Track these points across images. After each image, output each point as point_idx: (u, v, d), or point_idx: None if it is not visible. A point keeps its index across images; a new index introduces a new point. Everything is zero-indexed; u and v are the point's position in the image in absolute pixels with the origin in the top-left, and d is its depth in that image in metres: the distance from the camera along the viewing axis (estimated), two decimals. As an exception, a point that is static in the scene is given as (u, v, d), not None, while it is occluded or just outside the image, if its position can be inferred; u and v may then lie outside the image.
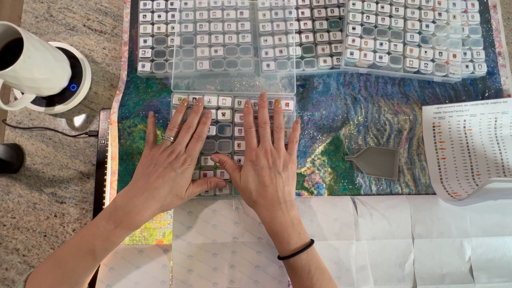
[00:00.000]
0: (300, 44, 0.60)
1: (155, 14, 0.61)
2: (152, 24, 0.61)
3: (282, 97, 0.57)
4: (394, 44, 0.59)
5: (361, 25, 0.59)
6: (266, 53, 0.59)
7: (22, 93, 0.58)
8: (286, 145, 0.53)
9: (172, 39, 0.60)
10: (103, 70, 0.63)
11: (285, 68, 0.59)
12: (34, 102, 0.58)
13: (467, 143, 0.59)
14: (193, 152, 0.51)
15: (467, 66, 0.60)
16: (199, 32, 0.60)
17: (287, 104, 0.57)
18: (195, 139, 0.52)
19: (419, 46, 0.59)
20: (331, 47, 0.60)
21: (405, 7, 0.60)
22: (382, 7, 0.60)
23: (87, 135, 0.60)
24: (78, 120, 0.61)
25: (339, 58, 0.59)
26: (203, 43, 0.59)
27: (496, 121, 0.59)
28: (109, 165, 0.57)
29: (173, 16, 0.61)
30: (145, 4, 0.61)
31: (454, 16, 0.60)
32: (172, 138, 0.51)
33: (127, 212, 0.45)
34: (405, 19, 0.60)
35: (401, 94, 0.61)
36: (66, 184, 0.59)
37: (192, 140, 0.52)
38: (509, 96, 0.61)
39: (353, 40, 0.58)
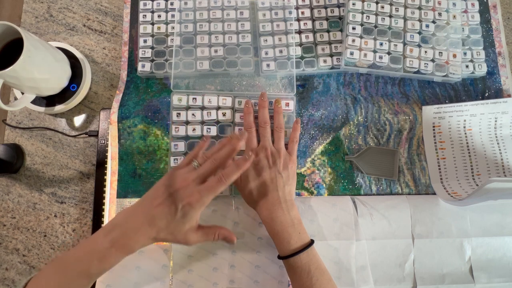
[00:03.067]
0: (300, 44, 0.60)
1: (155, 14, 0.61)
2: (152, 24, 0.61)
3: (282, 97, 0.57)
4: (394, 44, 0.59)
5: (361, 25, 0.59)
6: (266, 53, 0.59)
7: (22, 93, 0.58)
8: (286, 145, 0.53)
9: (172, 39, 0.60)
10: (103, 70, 0.63)
11: (285, 68, 0.59)
12: (34, 102, 0.58)
13: (467, 143, 0.59)
14: (207, 193, 0.42)
15: (467, 66, 0.60)
16: (199, 32, 0.60)
17: (287, 104, 0.57)
18: (217, 179, 0.43)
19: (419, 46, 0.59)
20: (331, 47, 0.60)
21: (405, 7, 0.60)
22: (382, 7, 0.60)
23: (87, 135, 0.60)
24: (78, 120, 0.61)
25: (339, 58, 0.59)
26: (203, 43, 0.59)
27: (496, 121, 0.59)
28: (109, 165, 0.57)
29: (173, 16, 0.61)
30: (145, 4, 0.61)
31: (454, 16, 0.60)
32: (198, 165, 0.45)
33: (122, 233, 0.42)
34: (405, 19, 0.60)
35: (401, 94, 0.61)
36: (66, 184, 0.59)
37: (213, 178, 0.43)
38: (509, 96, 0.61)
39: (353, 40, 0.58)
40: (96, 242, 0.42)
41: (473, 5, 0.63)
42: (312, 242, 0.47)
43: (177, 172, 0.44)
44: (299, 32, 0.61)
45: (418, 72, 0.59)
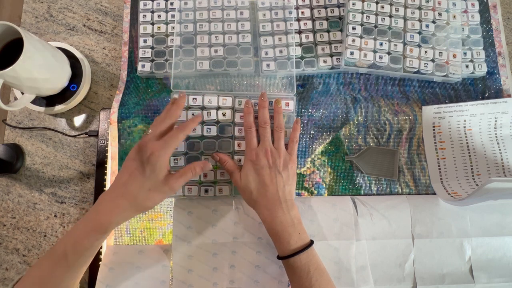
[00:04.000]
0: (300, 44, 0.60)
1: (155, 14, 0.61)
2: (152, 24, 0.61)
3: (282, 97, 0.57)
4: (394, 44, 0.59)
5: (361, 25, 0.59)
6: (266, 53, 0.59)
7: (22, 93, 0.58)
8: (286, 145, 0.53)
9: (172, 39, 0.60)
10: (103, 70, 0.63)
11: (285, 68, 0.59)
12: (34, 102, 0.58)
13: (467, 143, 0.59)
14: (168, 139, 0.45)
15: (467, 66, 0.60)
16: (199, 32, 0.60)
17: (287, 104, 0.57)
18: (177, 128, 0.47)
19: (419, 46, 0.59)
20: (331, 47, 0.60)
21: (405, 7, 0.60)
22: (382, 7, 0.60)
23: (87, 135, 0.60)
24: (78, 120, 0.61)
25: (339, 58, 0.59)
26: (203, 43, 0.59)
27: (496, 121, 0.59)
28: (109, 165, 0.57)
29: (173, 16, 0.61)
30: (145, 4, 0.61)
31: (454, 16, 0.60)
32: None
33: (97, 213, 0.43)
34: (405, 19, 0.60)
35: (401, 94, 0.61)
36: (66, 184, 0.59)
37: (174, 129, 0.47)
38: (509, 96, 0.61)
39: (353, 40, 0.58)
40: (77, 228, 0.43)
41: (473, 5, 0.63)
42: (312, 242, 0.47)
43: (138, 143, 0.46)
44: (299, 32, 0.61)
45: (418, 72, 0.59)
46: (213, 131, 0.56)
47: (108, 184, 0.56)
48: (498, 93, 0.61)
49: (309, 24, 0.61)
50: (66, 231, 0.57)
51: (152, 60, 0.59)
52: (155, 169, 0.43)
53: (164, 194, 0.45)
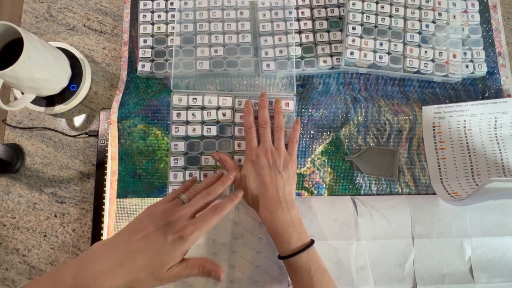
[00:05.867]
0: (300, 44, 0.60)
1: (155, 14, 0.61)
2: (152, 24, 0.61)
3: (282, 97, 0.57)
4: (394, 44, 0.59)
5: (361, 25, 0.59)
6: (266, 53, 0.59)
7: (22, 93, 0.58)
8: (286, 145, 0.53)
9: (172, 39, 0.60)
10: (103, 70, 0.63)
11: (285, 68, 0.59)
12: (34, 102, 0.58)
13: (467, 143, 0.59)
14: (202, 224, 0.40)
15: (467, 66, 0.60)
16: (199, 32, 0.60)
17: (287, 104, 0.57)
18: (212, 210, 0.42)
19: (419, 46, 0.59)
20: (331, 47, 0.60)
21: (405, 7, 0.60)
22: (382, 7, 0.60)
23: (87, 135, 0.60)
24: (78, 120, 0.61)
25: (339, 58, 0.59)
26: (203, 43, 0.59)
27: (496, 121, 0.59)
28: (109, 165, 0.57)
29: (173, 16, 0.61)
30: (145, 4, 0.61)
31: (454, 16, 0.60)
32: (187, 199, 0.43)
33: (86, 273, 0.36)
34: (405, 19, 0.60)
35: (401, 94, 0.61)
36: (66, 184, 0.59)
37: (209, 210, 0.42)
38: (509, 96, 0.61)
39: (353, 40, 0.58)
40: (58, 279, 0.36)
41: (473, 5, 0.63)
42: (312, 242, 0.47)
43: (165, 205, 0.42)
44: (299, 32, 0.61)
45: (418, 72, 0.59)
46: (213, 131, 0.56)
47: (108, 184, 0.56)
48: (498, 93, 0.61)
49: (309, 24, 0.61)
50: (65, 231, 0.57)
51: (152, 60, 0.59)
52: (172, 255, 0.38)
53: (161, 282, 0.38)
